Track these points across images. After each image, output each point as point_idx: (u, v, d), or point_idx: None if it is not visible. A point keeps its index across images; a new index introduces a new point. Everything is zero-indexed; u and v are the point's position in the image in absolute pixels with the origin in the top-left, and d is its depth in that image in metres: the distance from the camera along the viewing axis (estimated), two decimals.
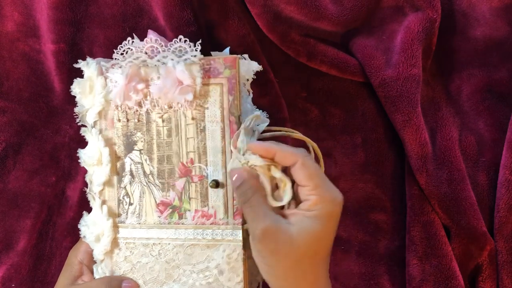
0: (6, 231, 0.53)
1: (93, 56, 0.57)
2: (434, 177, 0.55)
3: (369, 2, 0.56)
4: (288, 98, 0.58)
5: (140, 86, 0.43)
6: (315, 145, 0.44)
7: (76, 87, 0.45)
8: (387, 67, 0.56)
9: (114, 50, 0.44)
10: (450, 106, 0.60)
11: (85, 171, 0.55)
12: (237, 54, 0.44)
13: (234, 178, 0.40)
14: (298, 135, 0.44)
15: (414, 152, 0.55)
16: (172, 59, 0.43)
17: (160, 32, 0.57)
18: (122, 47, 0.44)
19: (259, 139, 0.42)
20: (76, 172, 0.55)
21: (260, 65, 0.47)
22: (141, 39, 0.57)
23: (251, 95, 0.47)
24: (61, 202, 0.55)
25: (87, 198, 0.54)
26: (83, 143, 0.56)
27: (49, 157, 0.55)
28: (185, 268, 0.44)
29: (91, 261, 0.46)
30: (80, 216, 0.54)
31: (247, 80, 0.46)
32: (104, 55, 0.56)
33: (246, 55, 0.47)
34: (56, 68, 0.56)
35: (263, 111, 0.47)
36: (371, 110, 0.59)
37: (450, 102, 0.60)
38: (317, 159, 0.45)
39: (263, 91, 0.56)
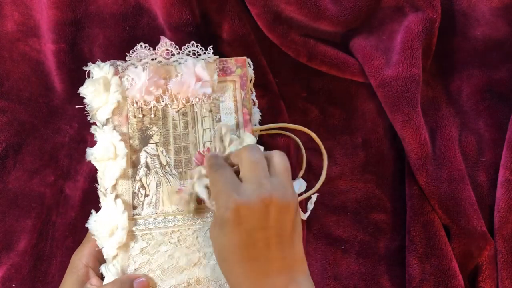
0: (6, 231, 0.53)
1: (93, 56, 0.57)
2: (434, 177, 0.55)
3: (369, 2, 0.56)
4: (288, 98, 0.59)
5: (161, 81, 0.47)
6: (314, 135, 0.49)
7: (90, 86, 0.46)
8: (387, 67, 0.56)
9: (127, 53, 0.47)
10: (450, 106, 0.60)
11: (85, 171, 0.55)
12: (235, 55, 0.49)
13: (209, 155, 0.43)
14: (297, 126, 0.49)
15: (414, 152, 0.55)
16: (187, 60, 0.47)
17: (159, 31, 0.57)
18: (134, 50, 0.47)
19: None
20: (76, 172, 0.55)
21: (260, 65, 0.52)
22: (141, 39, 0.57)
23: (254, 93, 0.51)
24: (60, 202, 0.55)
25: (88, 197, 0.55)
26: (83, 143, 0.56)
27: (49, 157, 0.55)
28: (205, 250, 0.45)
29: (97, 263, 0.45)
30: (81, 215, 0.54)
31: (250, 80, 0.50)
32: (104, 55, 0.56)
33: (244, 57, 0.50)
34: (56, 68, 0.56)
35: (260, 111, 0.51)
36: (371, 110, 0.59)
37: (450, 102, 0.60)
38: (309, 158, 0.47)
39: (261, 92, 0.56)
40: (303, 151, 0.52)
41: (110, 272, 0.45)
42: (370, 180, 0.58)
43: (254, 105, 0.49)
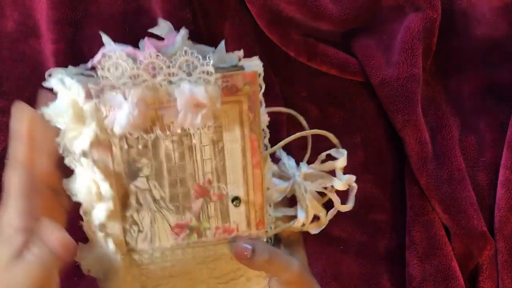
0: None
1: (93, 56, 0.57)
2: (434, 177, 0.55)
3: (369, 1, 0.56)
4: (288, 98, 0.58)
5: (149, 111, 0.36)
6: (331, 135, 0.45)
7: (55, 115, 0.37)
8: (387, 66, 0.56)
9: (98, 66, 0.37)
10: (450, 106, 0.60)
11: None
12: (234, 51, 0.40)
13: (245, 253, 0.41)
14: (313, 131, 0.44)
15: (414, 152, 0.55)
16: (182, 78, 0.37)
17: None
18: (107, 59, 0.36)
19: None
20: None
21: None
22: (142, 38, 0.57)
23: (264, 105, 0.41)
24: None
25: None
26: None
27: None
28: (209, 282, 0.42)
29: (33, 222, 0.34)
30: (80, 215, 0.54)
31: (260, 89, 0.41)
32: None
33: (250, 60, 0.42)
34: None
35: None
36: (371, 110, 0.59)
37: (450, 102, 0.60)
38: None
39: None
40: (309, 140, 0.48)
41: None
42: (369, 180, 0.57)
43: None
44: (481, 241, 0.54)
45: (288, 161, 0.46)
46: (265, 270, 0.41)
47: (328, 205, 0.46)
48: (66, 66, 0.56)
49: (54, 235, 0.34)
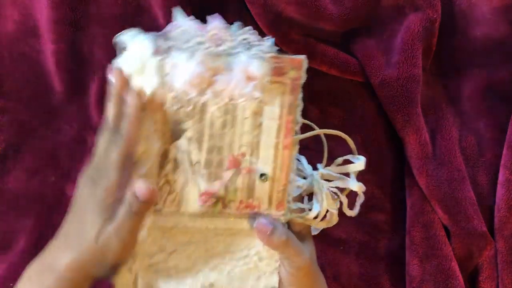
0: (6, 231, 0.53)
1: (93, 56, 0.57)
2: (434, 177, 0.55)
3: (369, 1, 0.56)
4: None
5: (207, 74, 0.40)
6: (350, 141, 0.47)
7: (124, 65, 0.41)
8: (387, 67, 0.56)
9: (168, 25, 0.41)
10: (450, 106, 0.60)
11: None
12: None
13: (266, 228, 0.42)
14: (335, 132, 0.46)
15: (414, 152, 0.55)
16: (240, 51, 0.41)
17: (160, 31, 0.57)
18: (178, 27, 0.41)
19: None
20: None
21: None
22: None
23: (301, 94, 0.43)
24: (61, 202, 0.55)
25: None
26: (83, 143, 0.56)
27: (49, 157, 0.56)
28: (224, 255, 0.44)
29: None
30: None
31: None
32: (105, 55, 0.56)
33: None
34: (56, 68, 0.56)
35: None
36: (371, 110, 0.59)
37: (450, 102, 0.60)
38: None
39: None
40: (324, 142, 0.50)
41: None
42: (369, 180, 0.57)
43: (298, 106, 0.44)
44: (481, 241, 0.54)
45: (305, 162, 0.48)
46: (280, 250, 0.43)
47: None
48: (66, 66, 0.56)
49: (140, 184, 0.38)
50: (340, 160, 0.48)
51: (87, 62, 0.56)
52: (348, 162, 0.48)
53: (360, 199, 0.47)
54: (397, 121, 0.55)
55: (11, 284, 0.52)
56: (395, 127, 0.56)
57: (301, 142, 0.45)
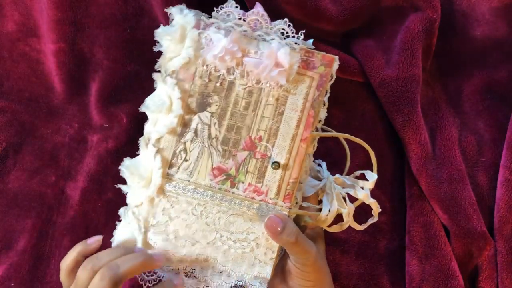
0: (6, 231, 0.53)
1: (93, 56, 0.57)
2: (434, 177, 0.55)
3: (369, 2, 0.56)
4: None
5: (238, 54, 0.43)
6: (371, 152, 0.47)
7: (164, 34, 0.44)
8: (387, 67, 0.56)
9: (215, 8, 0.44)
10: (450, 106, 0.60)
11: (85, 171, 0.55)
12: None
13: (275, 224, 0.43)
14: (357, 140, 0.46)
15: (414, 152, 0.55)
16: (273, 39, 0.44)
17: None
18: (223, 7, 0.44)
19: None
20: (76, 172, 0.55)
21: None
22: (142, 39, 0.57)
23: (328, 94, 0.46)
24: (61, 202, 0.55)
25: (87, 197, 0.55)
26: (83, 143, 0.57)
27: (49, 157, 0.56)
28: (223, 233, 0.45)
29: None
30: (80, 215, 0.54)
31: (330, 79, 0.45)
32: (105, 55, 0.56)
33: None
34: (56, 68, 0.56)
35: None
36: (371, 110, 0.59)
37: (450, 102, 0.60)
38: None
39: None
40: (347, 150, 0.52)
41: (128, 217, 0.45)
42: None
43: (324, 105, 0.46)
44: (481, 241, 0.54)
45: (325, 167, 0.50)
46: (287, 247, 0.43)
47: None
48: (66, 66, 0.56)
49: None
50: (358, 172, 0.49)
51: (87, 62, 0.56)
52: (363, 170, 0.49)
53: (374, 219, 0.48)
54: (397, 121, 0.55)
55: (11, 284, 0.52)
56: (395, 127, 0.56)
57: (323, 149, 0.45)
